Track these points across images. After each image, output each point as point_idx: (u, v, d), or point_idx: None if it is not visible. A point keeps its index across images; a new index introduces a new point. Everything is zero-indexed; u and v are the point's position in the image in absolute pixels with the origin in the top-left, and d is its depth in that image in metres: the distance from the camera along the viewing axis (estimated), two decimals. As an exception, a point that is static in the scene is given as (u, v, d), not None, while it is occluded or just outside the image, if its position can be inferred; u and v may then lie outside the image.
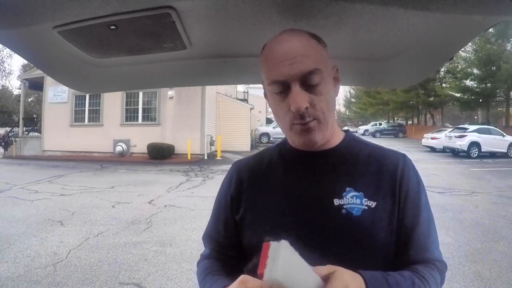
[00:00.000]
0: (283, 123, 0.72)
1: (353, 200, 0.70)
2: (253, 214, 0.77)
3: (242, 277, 0.62)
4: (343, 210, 0.69)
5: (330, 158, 0.76)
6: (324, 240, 0.68)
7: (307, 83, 0.66)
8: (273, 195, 0.76)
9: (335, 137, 0.78)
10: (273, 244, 0.52)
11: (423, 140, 19.56)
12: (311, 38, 0.69)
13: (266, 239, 0.54)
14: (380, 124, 35.90)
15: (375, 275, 0.62)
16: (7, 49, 5.40)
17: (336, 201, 0.70)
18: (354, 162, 0.75)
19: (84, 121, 15.73)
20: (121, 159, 14.08)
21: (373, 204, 0.70)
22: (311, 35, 0.70)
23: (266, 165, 0.82)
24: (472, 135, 15.97)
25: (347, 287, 0.56)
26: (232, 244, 0.82)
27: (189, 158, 14.03)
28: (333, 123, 0.76)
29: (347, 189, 0.71)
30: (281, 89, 0.68)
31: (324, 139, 0.73)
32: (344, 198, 0.70)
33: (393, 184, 0.72)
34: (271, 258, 0.51)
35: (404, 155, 0.78)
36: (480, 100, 28.06)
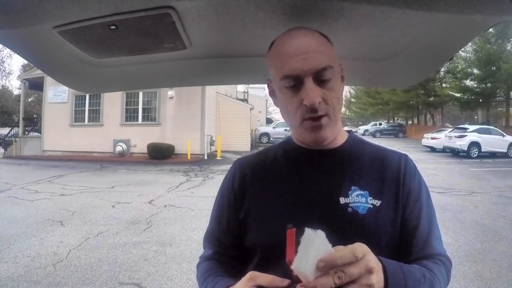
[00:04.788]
0: (294, 119, 0.71)
1: (358, 199, 0.71)
2: (257, 213, 0.76)
3: (251, 273, 0.61)
4: (349, 209, 0.70)
5: (336, 157, 0.77)
6: (330, 238, 0.69)
7: (319, 78, 0.67)
8: (278, 193, 0.75)
9: (340, 137, 0.79)
10: (308, 232, 0.50)
11: (423, 140, 19.56)
12: (321, 36, 0.70)
13: (289, 226, 0.52)
14: (380, 124, 35.86)
15: (392, 262, 0.61)
16: (7, 49, 5.40)
17: (342, 200, 0.71)
18: (358, 162, 0.76)
19: (84, 121, 15.72)
20: (121, 159, 14.07)
21: (378, 202, 0.71)
22: (320, 33, 0.71)
23: (270, 163, 0.81)
24: (472, 135, 15.97)
25: (369, 261, 0.53)
26: (235, 244, 0.80)
27: (189, 158, 14.03)
28: (340, 122, 0.77)
29: (353, 187, 0.72)
30: (293, 84, 0.67)
31: (332, 136, 0.74)
32: (350, 196, 0.71)
33: (396, 183, 0.74)
34: (304, 246, 0.49)
35: (406, 156, 0.80)
36: (480, 100, 28.08)
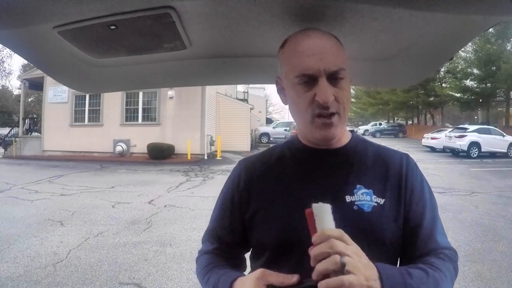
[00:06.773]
0: (305, 115, 0.72)
1: (363, 197, 0.72)
2: (265, 213, 0.77)
3: (261, 271, 0.63)
4: (355, 206, 0.71)
5: (340, 156, 0.78)
6: None
7: (333, 79, 0.69)
8: (285, 193, 0.76)
9: (344, 136, 0.81)
10: (315, 205, 0.56)
11: (423, 140, 19.57)
12: (335, 38, 0.72)
13: (306, 208, 0.57)
14: (380, 124, 35.87)
15: (388, 267, 0.62)
16: (7, 49, 5.41)
17: (348, 198, 0.72)
18: (362, 161, 0.78)
19: (84, 121, 15.72)
20: (121, 159, 14.07)
21: (381, 200, 0.73)
22: (333, 36, 0.72)
23: (275, 163, 0.82)
24: (472, 135, 15.97)
25: (363, 274, 0.56)
26: (237, 242, 0.82)
27: (189, 158, 14.03)
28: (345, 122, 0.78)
29: (358, 186, 0.73)
30: (307, 82, 0.69)
31: (340, 135, 0.76)
32: (355, 194, 0.73)
33: (399, 182, 0.75)
34: (319, 220, 0.55)
35: (407, 155, 0.82)
36: (480, 100, 28.05)
